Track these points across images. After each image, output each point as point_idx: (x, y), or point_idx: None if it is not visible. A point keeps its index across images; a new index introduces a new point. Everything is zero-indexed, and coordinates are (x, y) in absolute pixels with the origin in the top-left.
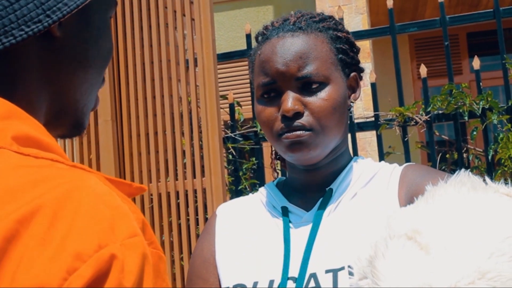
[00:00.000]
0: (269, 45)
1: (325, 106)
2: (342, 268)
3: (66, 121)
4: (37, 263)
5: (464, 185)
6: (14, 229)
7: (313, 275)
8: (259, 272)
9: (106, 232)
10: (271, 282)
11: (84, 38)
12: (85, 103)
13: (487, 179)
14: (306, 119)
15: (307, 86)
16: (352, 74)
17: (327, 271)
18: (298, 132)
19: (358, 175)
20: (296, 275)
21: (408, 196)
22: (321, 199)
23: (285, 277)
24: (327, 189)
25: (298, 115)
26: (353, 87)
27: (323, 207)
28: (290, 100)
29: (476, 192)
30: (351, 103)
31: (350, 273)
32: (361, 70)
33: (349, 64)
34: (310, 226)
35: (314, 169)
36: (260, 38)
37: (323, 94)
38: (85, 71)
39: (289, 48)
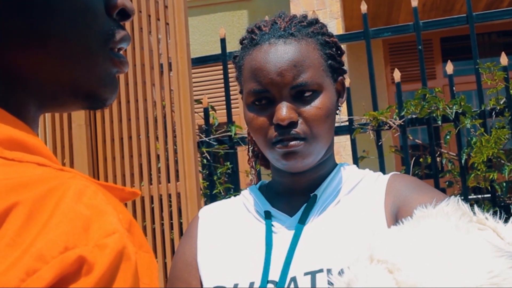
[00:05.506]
0: (260, 51)
1: (319, 114)
2: (321, 271)
3: (68, 97)
4: (0, 265)
5: (449, 220)
6: None
7: (293, 279)
8: (240, 274)
9: (78, 233)
10: (252, 284)
11: (21, 11)
12: (78, 74)
13: (477, 209)
14: (300, 128)
15: (300, 94)
16: (339, 78)
17: (305, 274)
18: (293, 143)
19: (342, 182)
20: (276, 278)
21: (395, 207)
22: (305, 204)
23: (265, 280)
24: (311, 195)
25: (293, 124)
26: (340, 92)
27: (306, 213)
28: (284, 109)
29: (459, 231)
30: (339, 107)
31: (329, 276)
32: (345, 72)
33: (337, 69)
34: (292, 231)
35: (300, 173)
36: (247, 42)
37: (317, 102)
38: (41, 46)
39: (283, 56)
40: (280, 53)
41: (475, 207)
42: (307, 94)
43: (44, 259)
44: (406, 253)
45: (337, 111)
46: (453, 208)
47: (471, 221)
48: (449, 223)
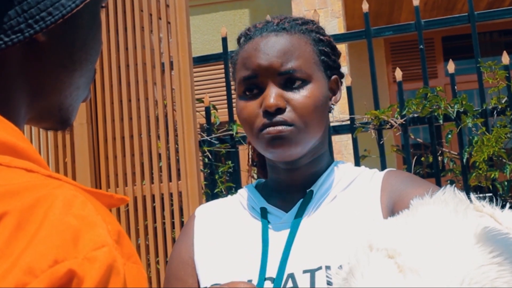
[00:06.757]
0: (252, 43)
1: (307, 103)
2: (320, 268)
3: (50, 119)
4: None
5: (447, 206)
6: None
7: (291, 275)
8: (237, 272)
9: (67, 246)
10: (249, 281)
11: (72, 41)
12: (70, 103)
13: (473, 197)
14: (288, 115)
15: (289, 82)
16: (333, 76)
17: (304, 271)
18: (280, 127)
19: (338, 178)
20: (273, 275)
21: (391, 202)
22: (301, 200)
23: (262, 277)
24: (307, 190)
25: (280, 110)
26: (334, 90)
27: (303, 208)
28: (272, 95)
29: (457, 215)
30: (332, 105)
31: (327, 273)
32: (342, 75)
33: (331, 67)
34: (289, 227)
35: (294, 169)
36: (242, 39)
37: (305, 91)
38: (70, 75)
39: (273, 45)
40: (270, 43)
41: (472, 195)
42: (296, 83)
43: (33, 273)
44: (406, 238)
45: (331, 109)
46: (450, 196)
47: (468, 207)
48: (447, 208)
